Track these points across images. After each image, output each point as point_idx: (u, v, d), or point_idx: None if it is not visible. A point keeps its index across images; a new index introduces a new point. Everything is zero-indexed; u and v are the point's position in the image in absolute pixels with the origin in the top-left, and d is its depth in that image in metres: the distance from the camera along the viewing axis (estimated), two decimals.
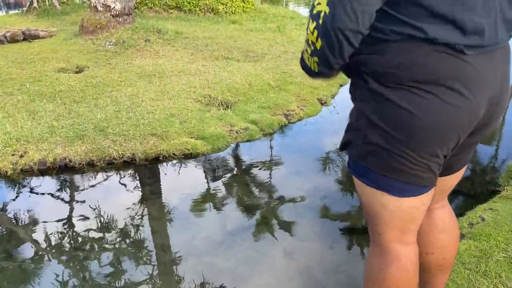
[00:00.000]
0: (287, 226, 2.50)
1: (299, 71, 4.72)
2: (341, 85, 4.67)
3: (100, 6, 5.71)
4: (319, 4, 0.92)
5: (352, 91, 1.11)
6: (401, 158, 1.00)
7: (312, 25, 0.95)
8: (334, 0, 0.89)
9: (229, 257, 2.19)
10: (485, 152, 3.34)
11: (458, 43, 0.90)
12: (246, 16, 7.97)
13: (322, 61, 1.00)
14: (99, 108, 3.78)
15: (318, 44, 0.96)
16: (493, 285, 1.72)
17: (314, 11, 0.93)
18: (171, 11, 7.73)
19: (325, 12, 0.91)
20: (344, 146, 1.17)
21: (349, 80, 1.14)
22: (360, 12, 0.88)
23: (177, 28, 6.39)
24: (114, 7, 5.74)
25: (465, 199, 2.65)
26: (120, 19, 5.83)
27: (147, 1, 7.63)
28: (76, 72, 4.85)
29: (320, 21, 0.92)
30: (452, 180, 1.25)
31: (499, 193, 2.53)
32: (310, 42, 0.99)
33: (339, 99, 4.42)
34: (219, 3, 8.04)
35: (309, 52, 1.01)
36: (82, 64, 5.01)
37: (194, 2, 7.83)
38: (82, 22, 5.76)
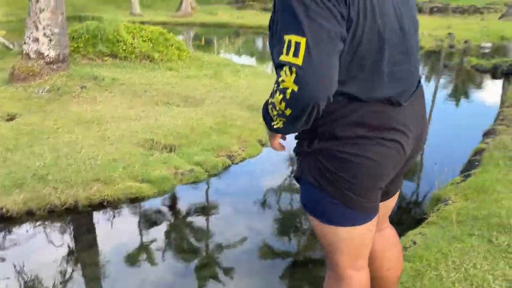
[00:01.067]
0: (228, 270, 2.58)
1: (239, 114, 4.92)
2: None
3: (33, 54, 5.60)
4: (283, 81, 1.01)
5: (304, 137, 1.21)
6: (351, 192, 1.18)
7: (279, 97, 1.03)
8: (304, 80, 0.98)
9: None
10: (410, 186, 3.69)
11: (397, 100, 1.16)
12: (182, 63, 8.16)
13: (289, 124, 1.09)
14: (36, 155, 3.66)
15: (287, 112, 1.04)
16: None
17: (280, 86, 1.02)
18: (106, 58, 7.72)
19: (292, 90, 0.99)
20: (298, 178, 1.30)
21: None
22: (334, 81, 1.02)
23: (113, 75, 6.40)
24: (48, 54, 5.66)
25: (398, 226, 2.91)
26: (54, 66, 5.74)
27: (81, 49, 7.57)
28: (7, 120, 4.66)
29: (287, 96, 1.01)
30: (391, 203, 1.45)
31: (426, 220, 2.82)
32: (277, 108, 1.06)
33: None
34: (154, 51, 8.18)
35: (275, 113, 1.08)
36: (13, 112, 4.83)
37: (129, 49, 7.91)
38: (13, 70, 5.59)
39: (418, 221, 2.92)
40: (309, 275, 2.49)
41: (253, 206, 3.31)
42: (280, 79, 1.02)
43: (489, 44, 11.84)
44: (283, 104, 1.03)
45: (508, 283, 1.98)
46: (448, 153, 4.12)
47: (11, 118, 4.72)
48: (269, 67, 9.78)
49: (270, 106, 1.10)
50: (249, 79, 6.88)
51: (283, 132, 1.18)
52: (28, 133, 4.19)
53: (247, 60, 10.42)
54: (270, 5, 19.49)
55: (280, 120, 1.09)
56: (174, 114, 4.87)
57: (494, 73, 8.11)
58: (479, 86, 7.86)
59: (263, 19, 19.93)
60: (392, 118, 1.16)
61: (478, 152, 3.83)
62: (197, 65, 8.15)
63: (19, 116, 4.72)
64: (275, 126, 1.12)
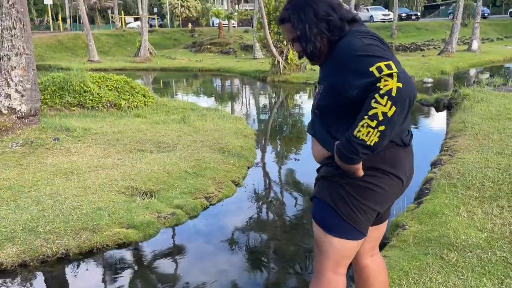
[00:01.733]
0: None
1: (211, 157, 5.26)
2: (248, 167, 5.29)
3: (5, 110, 5.74)
4: (386, 85, 1.32)
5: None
6: (360, 214, 1.57)
7: (384, 100, 1.32)
8: (404, 78, 1.33)
9: None
10: None
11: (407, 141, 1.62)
12: (149, 110, 8.45)
13: (388, 128, 1.35)
14: (21, 209, 3.81)
15: (391, 112, 1.32)
16: None
17: (382, 91, 1.32)
18: (73, 108, 7.89)
19: (397, 87, 1.32)
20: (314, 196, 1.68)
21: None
22: (415, 89, 1.40)
23: (84, 125, 6.59)
24: (20, 109, 5.81)
25: None
26: (26, 120, 5.89)
27: (48, 100, 7.71)
28: None
29: (393, 94, 1.31)
30: (383, 227, 1.85)
31: (388, 243, 3.22)
32: (379, 114, 1.33)
33: (249, 179, 5.00)
34: (121, 99, 8.44)
35: (374, 125, 1.34)
36: None
37: (96, 99, 8.13)
38: None
39: (381, 246, 3.32)
40: None
41: (235, 242, 3.61)
42: (382, 87, 1.33)
43: (430, 79, 12.96)
44: (389, 103, 1.32)
45: None
46: None
47: None
48: (235, 110, 10.25)
49: (361, 126, 1.37)
50: (216, 122, 7.27)
51: (378, 145, 1.39)
52: (9, 187, 4.31)
53: (211, 103, 10.84)
54: (228, 48, 20.12)
55: (378, 130, 1.35)
56: (149, 160, 5.13)
57: (437, 107, 8.96)
58: (425, 119, 8.63)
59: (222, 62, 20.68)
60: (404, 159, 1.58)
61: (428, 180, 4.34)
62: (163, 111, 8.47)
63: None
64: (369, 143, 1.37)
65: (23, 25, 5.78)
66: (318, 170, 1.75)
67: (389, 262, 2.78)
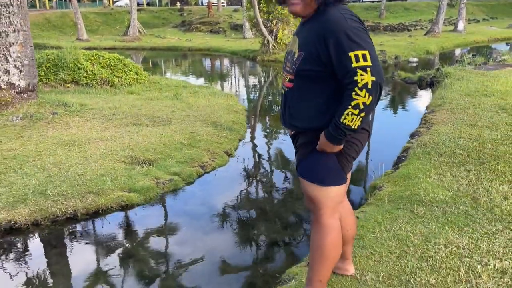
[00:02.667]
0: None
1: (205, 130, 5.56)
2: (239, 140, 5.62)
3: (4, 85, 5.94)
4: (362, 80, 1.63)
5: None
6: (346, 161, 1.93)
7: (362, 92, 1.64)
8: (376, 71, 1.63)
9: None
10: (355, 178, 4.49)
11: None
12: (141, 87, 8.67)
13: (367, 112, 1.68)
14: (28, 175, 4.09)
15: (369, 101, 1.65)
16: (368, 252, 2.64)
17: (360, 84, 1.63)
18: (68, 85, 8.08)
19: (372, 80, 1.63)
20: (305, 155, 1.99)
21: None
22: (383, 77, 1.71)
23: (79, 100, 6.81)
24: (19, 84, 6.02)
25: None
26: (25, 95, 6.10)
27: (42, 77, 7.88)
28: None
29: (369, 87, 1.63)
30: (349, 178, 2.17)
31: (366, 202, 3.59)
32: (360, 104, 1.65)
33: (240, 150, 5.34)
34: (114, 76, 8.64)
35: (357, 112, 1.67)
36: None
37: (90, 76, 8.32)
38: None
39: (360, 204, 3.71)
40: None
41: (228, 206, 3.96)
42: (359, 80, 1.64)
43: (415, 59, 13.30)
44: (367, 94, 1.64)
45: (423, 237, 2.76)
46: (383, 152, 4.98)
47: None
48: (226, 88, 10.51)
49: (346, 114, 1.69)
50: (208, 98, 7.54)
51: (361, 125, 1.74)
52: (14, 157, 4.58)
53: (202, 81, 11.06)
54: (217, 27, 20.10)
55: (360, 116, 1.69)
56: (146, 133, 5.42)
57: (420, 84, 9.32)
58: (408, 96, 9.00)
59: (211, 41, 20.74)
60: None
61: (405, 150, 4.71)
62: (156, 88, 8.70)
63: None
64: (354, 127, 1.71)
65: (20, 2, 5.94)
66: (294, 138, 2.04)
67: (365, 216, 3.15)
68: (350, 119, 1.71)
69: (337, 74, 1.73)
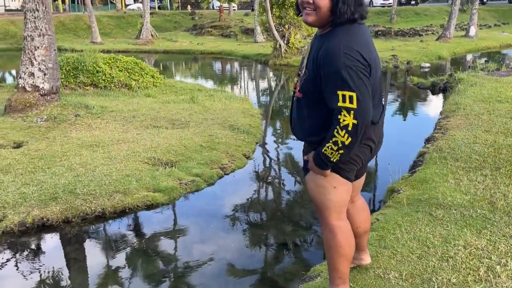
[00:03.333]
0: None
1: (223, 133, 5.70)
2: (256, 143, 5.75)
3: (29, 87, 6.13)
4: (344, 121, 1.72)
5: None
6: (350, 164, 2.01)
7: (342, 132, 1.73)
8: (360, 113, 1.71)
9: None
10: (374, 182, 4.59)
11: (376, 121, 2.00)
12: (158, 90, 8.85)
13: (346, 151, 1.79)
14: (57, 175, 4.25)
15: (347, 142, 1.74)
16: (390, 252, 2.75)
17: (341, 125, 1.72)
18: (87, 88, 8.28)
19: (353, 123, 1.72)
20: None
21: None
22: (370, 117, 1.80)
23: (100, 103, 7.00)
24: (43, 87, 6.21)
25: None
26: (48, 97, 6.30)
27: (62, 80, 8.07)
28: (15, 148, 5.17)
29: (349, 129, 1.72)
30: (361, 181, 2.30)
31: (385, 204, 3.70)
32: (339, 142, 1.75)
33: (258, 153, 5.47)
34: (131, 79, 8.83)
35: (336, 148, 1.77)
36: (19, 140, 5.34)
37: (108, 79, 8.52)
38: (10, 102, 6.09)
39: (379, 207, 3.81)
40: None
41: (249, 206, 4.09)
42: (341, 121, 1.74)
43: (427, 64, 13.35)
44: (346, 135, 1.74)
45: (443, 239, 2.86)
46: (399, 156, 5.08)
47: (18, 145, 5.24)
48: (240, 91, 10.67)
49: (328, 147, 1.80)
50: (224, 102, 7.69)
51: (340, 161, 1.85)
52: (41, 157, 4.75)
53: (216, 85, 11.22)
54: (229, 31, 20.27)
55: (338, 153, 1.80)
56: (166, 135, 5.57)
57: (433, 90, 9.39)
58: (421, 101, 9.08)
59: (223, 45, 20.94)
60: (371, 132, 1.99)
61: (421, 154, 4.81)
62: (172, 91, 8.87)
63: (25, 143, 5.25)
64: (333, 160, 1.82)
65: (45, 7, 6.14)
66: (304, 149, 2.16)
67: (385, 218, 3.26)
68: (330, 152, 1.82)
69: (319, 93, 1.85)
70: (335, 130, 1.77)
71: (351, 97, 1.72)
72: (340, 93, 1.74)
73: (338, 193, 2.04)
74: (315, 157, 1.92)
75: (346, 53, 1.75)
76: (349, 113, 1.73)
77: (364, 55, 1.79)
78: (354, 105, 1.73)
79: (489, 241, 2.80)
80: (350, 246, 2.14)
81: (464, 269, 2.52)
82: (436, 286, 2.37)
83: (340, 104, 1.74)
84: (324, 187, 2.03)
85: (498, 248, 2.71)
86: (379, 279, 2.47)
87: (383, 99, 2.12)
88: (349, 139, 1.76)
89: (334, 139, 1.78)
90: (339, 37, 1.80)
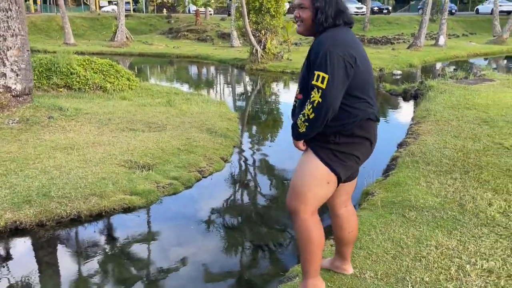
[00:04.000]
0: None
1: (200, 137, 5.70)
2: (234, 146, 5.77)
3: (0, 88, 5.97)
4: (313, 97, 1.91)
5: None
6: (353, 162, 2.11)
7: (309, 106, 1.93)
8: (326, 95, 1.88)
9: None
10: None
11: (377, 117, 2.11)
12: (133, 93, 8.76)
13: (310, 125, 1.96)
14: (31, 178, 4.16)
15: (311, 116, 1.94)
16: (366, 253, 2.83)
17: (310, 100, 1.92)
18: (61, 89, 8.11)
19: (318, 101, 1.90)
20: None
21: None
22: (336, 106, 1.92)
23: (74, 105, 6.87)
24: (15, 88, 6.06)
25: None
26: (21, 98, 6.14)
27: (35, 81, 7.89)
28: None
29: (315, 105, 1.91)
30: (354, 183, 2.37)
31: (360, 207, 3.79)
32: (306, 114, 1.95)
33: (235, 156, 5.50)
34: (106, 82, 8.71)
35: (303, 119, 1.97)
36: None
37: (83, 81, 8.37)
38: None
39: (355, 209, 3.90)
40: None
41: (226, 208, 4.11)
42: (311, 96, 1.93)
43: (399, 72, 13.72)
44: (311, 110, 1.94)
45: (415, 239, 2.97)
46: (373, 160, 5.19)
47: None
48: (217, 95, 10.68)
49: (300, 117, 1.99)
50: (201, 105, 7.69)
51: (306, 134, 2.02)
52: (13, 160, 4.64)
53: (192, 88, 11.19)
54: (205, 35, 20.23)
55: (304, 125, 1.98)
56: (143, 138, 5.53)
57: (405, 97, 9.66)
58: (393, 107, 9.32)
59: (199, 49, 20.89)
60: (373, 129, 2.12)
61: (394, 158, 4.95)
62: (148, 94, 8.80)
63: None
64: (300, 131, 2.01)
65: (18, 7, 6.01)
66: None
67: (361, 219, 3.33)
68: (299, 122, 2.03)
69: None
70: (307, 103, 1.98)
71: (323, 78, 1.91)
72: (316, 72, 1.94)
73: (328, 189, 2.12)
74: (292, 128, 2.10)
75: (332, 42, 1.96)
76: (318, 91, 1.92)
77: (349, 48, 1.97)
78: (324, 86, 1.91)
79: (459, 241, 2.92)
80: (321, 238, 2.20)
81: (436, 268, 2.62)
82: (410, 285, 2.46)
83: (313, 82, 1.94)
84: (318, 180, 2.09)
85: (468, 248, 2.83)
86: (356, 279, 2.54)
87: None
88: (313, 114, 1.94)
89: (304, 111, 1.99)
90: (327, 34, 2.03)
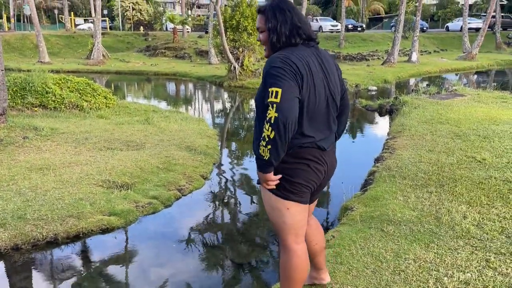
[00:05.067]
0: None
1: (180, 155, 5.69)
2: (214, 164, 5.77)
3: None
4: (269, 114, 1.82)
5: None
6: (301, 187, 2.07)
7: (267, 125, 1.82)
8: (281, 108, 1.79)
9: None
10: (327, 200, 4.74)
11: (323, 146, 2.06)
12: (111, 111, 8.68)
13: (273, 147, 1.84)
14: (5, 200, 4.06)
15: (272, 135, 1.82)
16: (346, 268, 2.86)
17: (267, 118, 1.82)
18: (36, 109, 7.97)
19: (274, 116, 1.81)
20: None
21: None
22: (293, 117, 1.85)
23: (49, 125, 6.76)
24: None
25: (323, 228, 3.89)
26: None
27: (9, 100, 7.73)
28: None
29: (272, 121, 1.81)
30: (313, 204, 2.39)
31: (340, 222, 3.83)
32: (265, 136, 1.83)
33: (215, 173, 5.49)
34: (83, 100, 8.61)
35: (264, 144, 1.85)
36: None
37: (58, 100, 8.25)
38: None
39: (333, 224, 3.94)
40: None
41: (206, 227, 4.09)
42: (268, 115, 1.83)
43: (374, 87, 14.03)
44: (270, 128, 1.82)
45: (394, 253, 3.02)
46: (351, 175, 5.28)
47: None
48: (196, 113, 10.67)
49: (261, 143, 1.87)
50: (180, 123, 7.67)
51: (272, 159, 1.89)
52: None
53: (171, 106, 11.15)
54: (183, 53, 20.28)
55: (267, 149, 1.86)
56: (121, 157, 5.47)
57: (380, 112, 9.87)
58: (369, 122, 9.51)
59: (177, 66, 20.90)
60: (319, 156, 2.07)
61: (372, 173, 5.04)
62: (126, 112, 8.74)
63: None
64: (266, 159, 1.88)
65: None
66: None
67: (341, 235, 3.38)
68: (262, 150, 1.90)
69: None
70: (264, 125, 1.87)
71: (276, 92, 1.84)
72: (270, 89, 1.87)
73: (292, 214, 2.09)
74: (256, 161, 1.98)
75: (277, 57, 1.94)
76: (272, 107, 1.84)
77: (294, 62, 1.92)
78: (278, 100, 1.84)
79: (436, 254, 2.99)
80: (304, 270, 2.20)
81: (414, 281, 2.66)
82: None
83: (269, 99, 1.86)
84: (279, 209, 2.09)
85: (445, 260, 2.89)
86: None
87: (336, 128, 2.18)
88: (272, 132, 1.84)
89: (263, 134, 1.88)
90: (277, 53, 2.00)
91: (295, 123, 1.89)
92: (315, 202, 2.43)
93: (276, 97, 1.84)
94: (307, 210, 2.18)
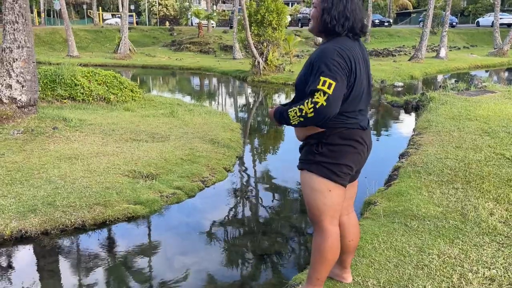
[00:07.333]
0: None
1: (203, 147, 5.75)
2: (237, 157, 5.82)
3: (6, 99, 6.05)
4: (317, 98, 1.93)
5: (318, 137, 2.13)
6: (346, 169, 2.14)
7: (311, 105, 1.94)
8: (329, 101, 1.91)
9: None
10: None
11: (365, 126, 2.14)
12: (137, 104, 8.84)
13: (304, 121, 2.01)
14: (36, 187, 4.20)
15: (310, 115, 1.96)
16: (368, 261, 2.85)
17: (313, 99, 1.93)
18: (65, 101, 8.20)
19: (322, 104, 1.92)
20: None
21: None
22: (335, 113, 1.97)
23: (78, 116, 6.94)
24: (20, 99, 6.14)
25: None
26: (26, 109, 6.22)
27: (39, 92, 7.98)
28: None
29: (317, 106, 1.93)
30: (355, 188, 2.39)
31: (362, 216, 3.81)
32: (304, 110, 1.97)
33: (238, 166, 5.54)
34: (110, 93, 8.80)
35: (299, 114, 1.99)
36: None
37: (87, 92, 8.46)
38: None
39: (357, 218, 3.92)
40: None
41: (228, 218, 4.13)
42: (315, 97, 1.94)
43: (401, 83, 13.80)
44: (312, 110, 1.95)
45: (418, 248, 2.98)
46: (375, 170, 5.23)
47: None
48: (220, 106, 10.75)
49: (294, 110, 2.01)
50: (204, 116, 7.75)
51: (294, 125, 2.07)
52: (18, 169, 4.68)
53: (195, 100, 11.27)
54: (207, 48, 20.39)
55: (298, 120, 2.01)
56: (146, 148, 5.58)
57: (406, 108, 9.71)
58: (395, 118, 9.37)
59: (202, 61, 21.07)
60: (363, 136, 2.17)
61: (396, 169, 4.97)
62: (151, 105, 8.88)
63: (1, 155, 5.16)
64: (291, 122, 2.04)
65: (25, 20, 6.12)
66: (300, 148, 2.28)
67: (363, 228, 3.35)
68: (293, 114, 2.04)
69: (307, 86, 2.03)
70: (306, 101, 1.98)
71: (330, 84, 1.94)
72: (322, 78, 1.95)
73: (332, 196, 2.15)
74: (280, 112, 2.12)
75: (334, 49, 2.02)
76: (323, 95, 1.94)
77: (349, 56, 2.02)
78: (330, 91, 1.94)
79: (461, 250, 2.94)
80: (336, 252, 2.25)
81: (438, 276, 2.63)
82: None
83: (319, 86, 1.95)
84: (320, 191, 2.15)
85: (470, 256, 2.84)
86: (358, 287, 2.56)
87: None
88: (312, 114, 1.97)
89: (301, 107, 1.99)
90: (330, 42, 2.10)
91: (335, 115, 2.01)
92: (356, 187, 2.44)
93: (329, 88, 1.93)
94: (345, 193, 2.23)
